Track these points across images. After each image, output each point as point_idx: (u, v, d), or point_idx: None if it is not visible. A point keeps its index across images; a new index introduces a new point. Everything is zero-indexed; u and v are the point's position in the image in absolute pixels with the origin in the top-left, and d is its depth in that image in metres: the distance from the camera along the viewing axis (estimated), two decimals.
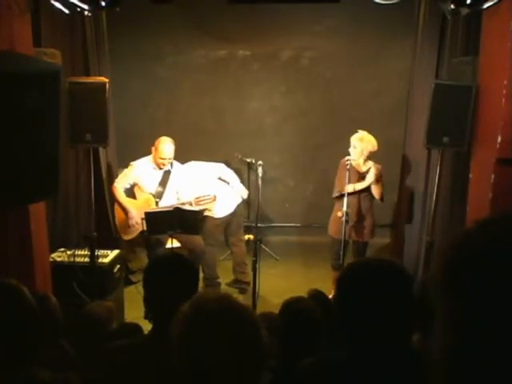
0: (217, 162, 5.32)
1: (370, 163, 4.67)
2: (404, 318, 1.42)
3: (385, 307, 1.39)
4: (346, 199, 4.30)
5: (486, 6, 3.75)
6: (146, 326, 2.01)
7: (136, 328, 2.49)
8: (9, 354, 1.56)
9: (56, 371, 1.63)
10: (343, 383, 1.45)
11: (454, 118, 4.07)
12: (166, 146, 4.69)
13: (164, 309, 1.83)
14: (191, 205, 4.56)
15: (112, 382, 1.78)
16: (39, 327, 1.66)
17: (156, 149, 4.72)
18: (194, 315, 1.22)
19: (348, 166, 4.39)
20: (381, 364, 1.39)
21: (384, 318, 1.39)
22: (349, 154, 4.58)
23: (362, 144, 4.54)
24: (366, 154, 4.58)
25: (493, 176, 3.71)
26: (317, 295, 2.69)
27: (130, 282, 5.28)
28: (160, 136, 4.79)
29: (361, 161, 4.64)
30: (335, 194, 4.74)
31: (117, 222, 4.87)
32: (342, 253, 4.29)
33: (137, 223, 4.64)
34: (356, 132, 4.65)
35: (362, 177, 4.63)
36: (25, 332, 1.60)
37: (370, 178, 4.51)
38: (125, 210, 4.78)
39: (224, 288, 5.21)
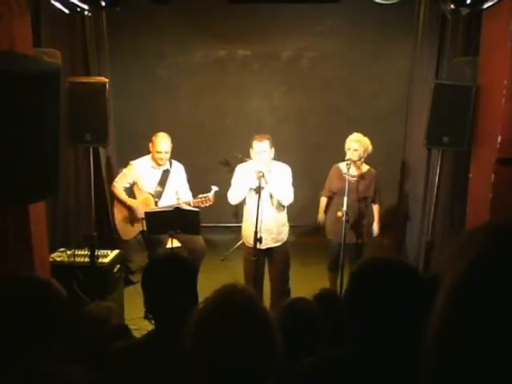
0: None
1: (366, 167, 4.66)
2: (414, 319, 1.41)
3: (396, 307, 1.38)
4: (345, 199, 4.27)
5: (485, 6, 3.74)
6: (147, 326, 2.01)
7: (123, 331, 2.44)
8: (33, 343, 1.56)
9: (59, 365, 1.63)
10: (344, 383, 1.45)
11: (454, 117, 4.06)
12: (162, 140, 4.70)
13: (163, 309, 1.83)
14: (190, 205, 4.55)
15: (113, 383, 1.78)
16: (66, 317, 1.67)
17: (153, 144, 4.72)
18: (217, 312, 1.21)
19: (347, 166, 4.36)
20: (387, 364, 1.38)
21: (394, 318, 1.39)
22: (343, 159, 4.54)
23: (362, 146, 4.50)
24: (364, 155, 4.56)
25: (493, 176, 3.71)
26: (322, 295, 2.68)
27: (130, 282, 5.28)
28: None
29: (355, 167, 4.59)
30: (324, 196, 4.87)
31: (116, 222, 4.87)
32: (341, 252, 4.26)
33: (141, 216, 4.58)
34: (353, 133, 4.59)
35: (357, 181, 4.60)
36: (52, 321, 1.61)
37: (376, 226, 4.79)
38: (128, 207, 4.79)
39: None
